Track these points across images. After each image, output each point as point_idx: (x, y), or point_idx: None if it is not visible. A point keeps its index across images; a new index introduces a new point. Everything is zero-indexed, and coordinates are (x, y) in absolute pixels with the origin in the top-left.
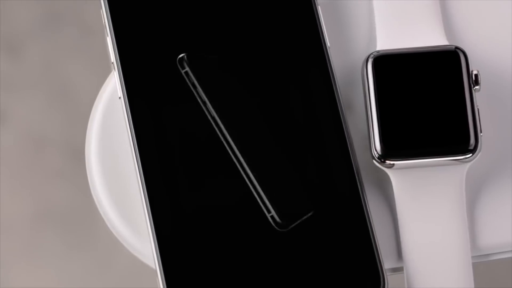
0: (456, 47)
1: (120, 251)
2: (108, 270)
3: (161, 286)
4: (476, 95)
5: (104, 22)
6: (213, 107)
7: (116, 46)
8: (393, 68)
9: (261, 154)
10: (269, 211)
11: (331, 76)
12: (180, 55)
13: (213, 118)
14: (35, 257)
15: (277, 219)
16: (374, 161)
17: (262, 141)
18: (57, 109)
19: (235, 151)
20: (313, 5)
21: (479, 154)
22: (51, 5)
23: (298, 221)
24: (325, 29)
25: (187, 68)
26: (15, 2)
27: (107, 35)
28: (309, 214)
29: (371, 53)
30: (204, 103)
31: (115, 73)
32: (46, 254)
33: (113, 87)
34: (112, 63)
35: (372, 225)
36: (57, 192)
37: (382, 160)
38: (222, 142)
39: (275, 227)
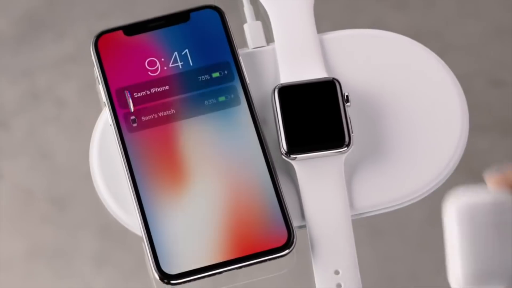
0: (333, 78)
1: (99, 277)
2: None
3: (147, 247)
4: (348, 109)
5: (96, 75)
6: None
7: (106, 90)
8: (292, 94)
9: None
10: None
11: (251, 102)
12: None
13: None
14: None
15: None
16: (283, 156)
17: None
18: (41, 168)
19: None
20: (236, 55)
21: (352, 147)
22: (30, 86)
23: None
24: (245, 71)
25: None
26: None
27: (99, 84)
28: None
29: (277, 85)
30: None
31: (106, 109)
32: (39, 285)
33: (105, 118)
34: (104, 102)
35: (283, 198)
36: (45, 234)
37: (288, 155)
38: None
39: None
